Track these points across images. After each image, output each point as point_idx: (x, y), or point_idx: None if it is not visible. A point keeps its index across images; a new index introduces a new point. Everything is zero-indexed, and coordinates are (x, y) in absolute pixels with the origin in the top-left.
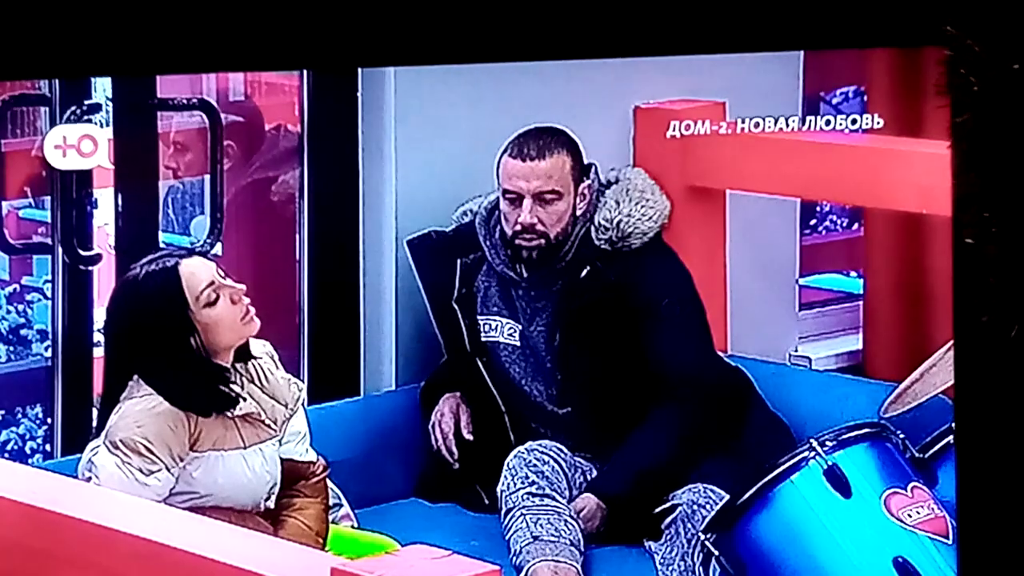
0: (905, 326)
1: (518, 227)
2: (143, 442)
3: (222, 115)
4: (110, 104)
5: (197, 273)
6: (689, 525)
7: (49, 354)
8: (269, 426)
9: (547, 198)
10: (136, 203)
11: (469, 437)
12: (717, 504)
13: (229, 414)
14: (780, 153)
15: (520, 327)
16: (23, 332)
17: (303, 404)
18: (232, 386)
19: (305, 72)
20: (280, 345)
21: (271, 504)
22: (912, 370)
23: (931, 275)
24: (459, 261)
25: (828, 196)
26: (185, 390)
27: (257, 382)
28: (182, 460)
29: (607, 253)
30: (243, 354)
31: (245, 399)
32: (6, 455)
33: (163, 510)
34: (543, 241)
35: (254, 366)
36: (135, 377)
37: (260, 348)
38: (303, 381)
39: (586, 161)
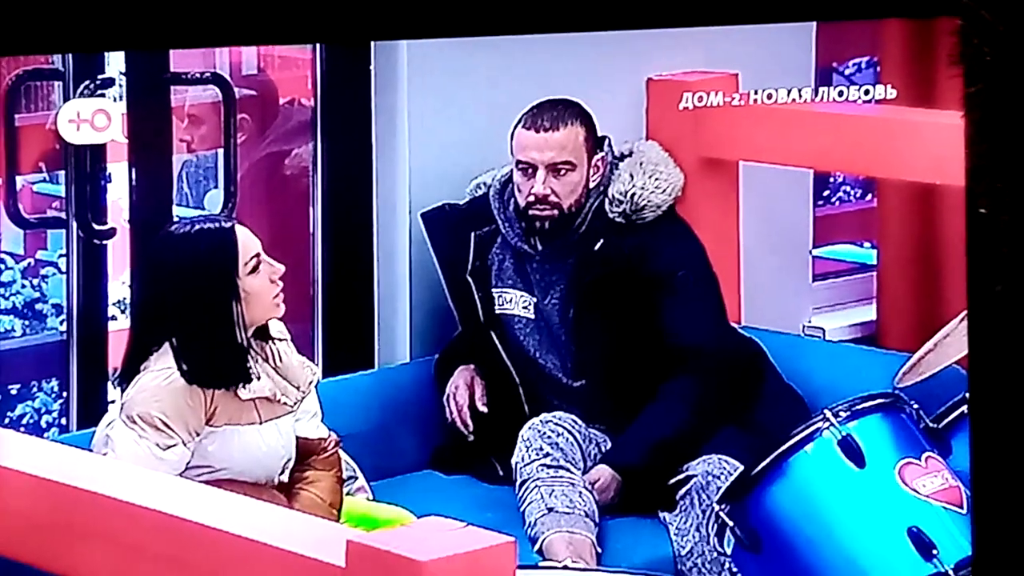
0: (919, 296)
1: (531, 198)
2: (160, 417)
3: (236, 89)
4: (123, 78)
5: (248, 240)
6: (703, 496)
7: (64, 328)
8: (284, 403)
9: (560, 169)
10: (150, 177)
11: (484, 409)
12: (731, 475)
13: (244, 394)
14: (793, 124)
15: (534, 299)
16: (38, 306)
17: (316, 385)
18: (249, 362)
19: (318, 45)
20: (294, 319)
21: (285, 478)
22: (926, 340)
23: (944, 245)
24: (473, 234)
25: (841, 167)
26: (208, 360)
27: (272, 362)
28: (198, 435)
29: (621, 226)
30: (262, 333)
31: (259, 377)
32: (22, 429)
33: (180, 483)
34: (556, 212)
35: (271, 347)
36: (158, 347)
37: (277, 329)
38: (318, 353)
39: (599, 133)
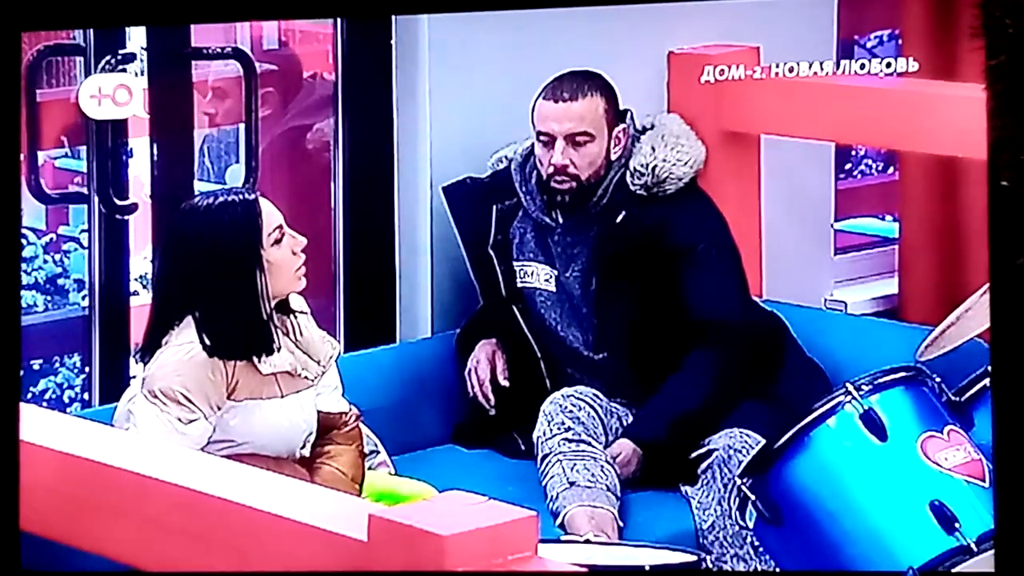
0: (941, 269)
1: (551, 169)
2: (182, 391)
3: (257, 64)
4: (144, 53)
5: (271, 212)
6: (725, 469)
7: (86, 303)
8: (305, 377)
9: (579, 140)
10: (171, 152)
11: (505, 383)
12: (753, 448)
13: (264, 368)
14: (815, 97)
15: (556, 273)
16: (60, 281)
17: (336, 359)
18: (272, 333)
19: (339, 20)
20: (316, 293)
21: (306, 452)
22: (948, 313)
23: (966, 218)
24: (495, 207)
25: (863, 140)
26: (232, 331)
27: (292, 336)
28: (220, 409)
29: (642, 198)
30: (283, 307)
31: (280, 350)
32: (44, 404)
33: (202, 458)
34: (575, 184)
35: (291, 320)
36: (179, 322)
37: (297, 303)
38: (339, 328)
39: (621, 106)
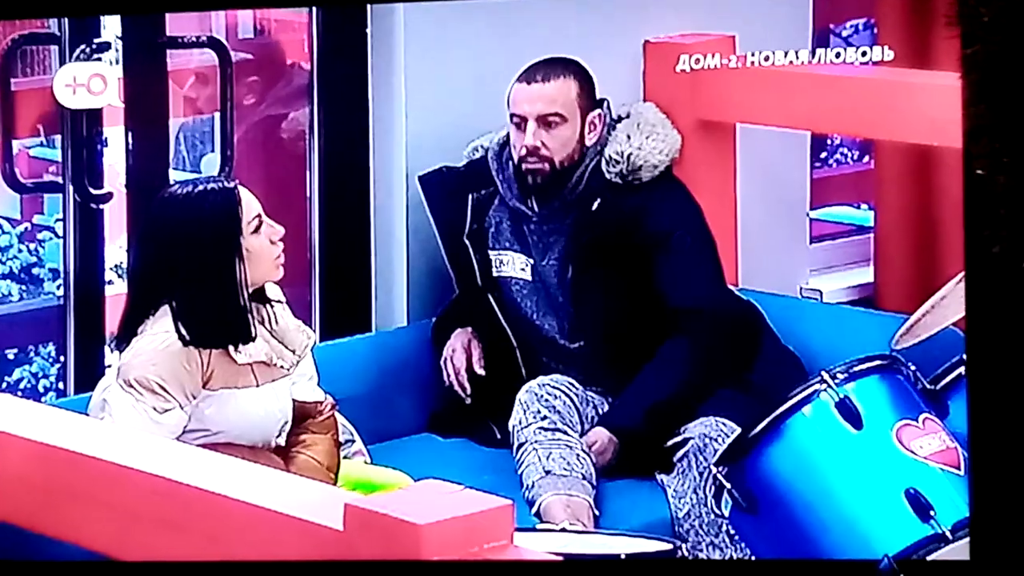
0: (916, 258)
1: (523, 151)
2: (157, 381)
3: (232, 53)
4: (120, 42)
5: (250, 200)
6: (701, 458)
7: (61, 292)
8: (280, 366)
9: (551, 121)
10: (146, 141)
11: (481, 372)
12: (729, 437)
13: (240, 358)
14: (790, 86)
15: (532, 261)
16: (35, 271)
17: (312, 348)
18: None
19: (314, 9)
20: (292, 282)
21: (282, 441)
22: (923, 302)
23: (942, 207)
24: (471, 196)
25: (838, 129)
26: (211, 319)
27: (268, 325)
28: (195, 398)
29: (618, 186)
30: (259, 295)
31: (255, 339)
32: (19, 393)
33: (177, 447)
34: (547, 167)
35: (267, 309)
36: (155, 311)
37: (273, 292)
38: (315, 317)
39: (598, 95)
